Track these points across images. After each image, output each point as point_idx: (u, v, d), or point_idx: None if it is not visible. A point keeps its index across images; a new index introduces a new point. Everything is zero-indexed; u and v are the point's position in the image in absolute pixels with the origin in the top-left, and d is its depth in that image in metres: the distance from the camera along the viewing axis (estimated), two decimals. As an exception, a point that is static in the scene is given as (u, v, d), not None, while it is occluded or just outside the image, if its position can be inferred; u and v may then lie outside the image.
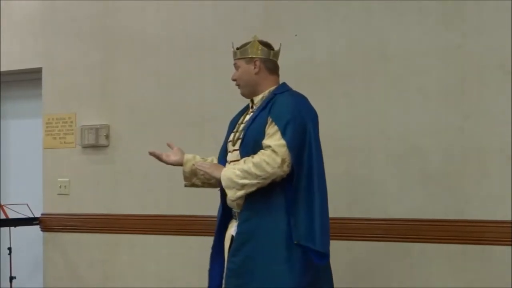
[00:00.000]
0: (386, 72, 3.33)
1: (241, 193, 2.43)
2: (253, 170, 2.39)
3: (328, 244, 2.45)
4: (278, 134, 2.42)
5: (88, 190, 4.07)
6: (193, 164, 2.68)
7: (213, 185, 2.83)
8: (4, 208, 4.12)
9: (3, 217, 4.09)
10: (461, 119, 3.16)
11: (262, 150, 2.44)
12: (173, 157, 2.84)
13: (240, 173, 2.42)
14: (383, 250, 3.29)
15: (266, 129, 2.48)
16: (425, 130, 3.23)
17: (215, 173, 2.53)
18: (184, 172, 2.84)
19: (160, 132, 3.87)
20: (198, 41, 3.80)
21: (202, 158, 2.86)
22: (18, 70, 4.51)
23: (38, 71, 4.32)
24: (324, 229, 2.43)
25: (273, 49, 2.70)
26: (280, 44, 2.74)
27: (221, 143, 3.68)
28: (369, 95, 3.37)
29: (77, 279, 4.08)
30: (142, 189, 3.91)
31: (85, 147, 4.08)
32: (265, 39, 3.62)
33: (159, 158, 2.85)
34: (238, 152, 2.57)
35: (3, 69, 4.50)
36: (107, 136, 4.01)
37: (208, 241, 3.68)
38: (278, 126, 2.43)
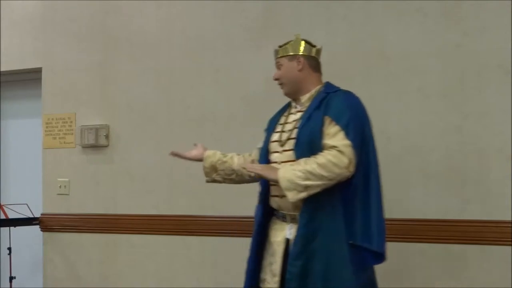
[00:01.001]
0: (386, 72, 3.33)
1: (303, 194, 2.36)
2: (319, 171, 2.33)
3: (384, 244, 2.44)
4: (341, 134, 2.38)
5: (88, 190, 4.07)
6: (243, 167, 2.62)
7: (234, 180, 2.84)
8: (4, 208, 4.12)
9: (3, 217, 4.09)
10: (461, 119, 3.16)
11: (325, 151, 2.38)
12: (194, 152, 2.89)
13: (302, 174, 2.34)
14: (383, 250, 3.29)
15: (324, 129, 2.43)
16: (425, 130, 3.23)
17: (271, 175, 2.44)
18: (204, 167, 2.85)
19: (159, 132, 3.87)
20: (198, 41, 3.80)
21: (222, 154, 2.85)
22: (18, 70, 4.52)
23: (38, 71, 4.32)
24: (380, 229, 2.42)
25: (315, 46, 2.65)
26: (321, 46, 2.70)
27: (221, 143, 3.70)
28: (369, 95, 3.34)
29: (77, 279, 4.08)
30: (142, 189, 3.91)
31: (84, 147, 4.08)
32: (264, 39, 3.64)
33: (180, 156, 2.89)
34: (291, 152, 2.50)
35: (3, 69, 4.51)
36: (106, 136, 4.00)
37: (207, 241, 3.72)
38: (340, 125, 2.39)
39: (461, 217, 3.14)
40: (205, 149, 2.89)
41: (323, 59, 3.46)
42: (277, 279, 2.52)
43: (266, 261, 2.61)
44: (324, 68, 3.45)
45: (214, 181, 2.88)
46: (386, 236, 3.21)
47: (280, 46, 2.65)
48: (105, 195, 4.02)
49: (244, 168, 2.61)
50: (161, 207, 3.85)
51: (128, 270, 3.93)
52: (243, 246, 3.62)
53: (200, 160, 2.86)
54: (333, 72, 3.42)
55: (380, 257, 2.45)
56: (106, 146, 4.02)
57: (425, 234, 3.19)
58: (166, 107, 3.87)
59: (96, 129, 4.01)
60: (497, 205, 3.07)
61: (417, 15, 3.27)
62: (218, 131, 3.71)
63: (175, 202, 3.81)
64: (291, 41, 2.64)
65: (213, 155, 2.84)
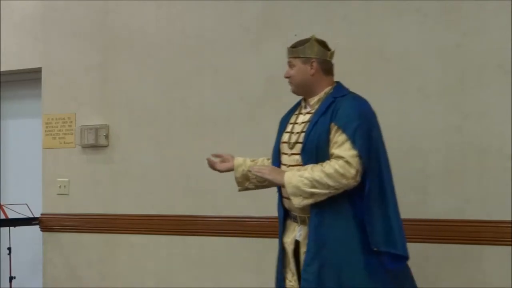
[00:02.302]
0: (386, 71, 3.33)
1: (308, 201, 2.40)
2: (326, 180, 2.35)
3: (406, 247, 2.45)
4: (348, 144, 2.38)
5: (88, 190, 4.07)
6: (249, 170, 2.61)
7: (266, 186, 2.79)
8: (4, 208, 4.12)
9: (2, 217, 4.09)
10: (461, 119, 3.16)
11: (333, 160, 2.39)
12: (226, 165, 2.81)
13: (308, 182, 2.37)
14: (383, 250, 3.28)
15: (331, 137, 2.43)
16: (425, 129, 3.23)
17: (277, 179, 2.47)
18: (236, 178, 2.80)
19: (159, 132, 3.87)
20: (198, 41, 3.80)
21: (252, 161, 2.81)
22: (18, 70, 4.53)
23: (37, 71, 4.32)
24: (402, 232, 2.43)
25: (329, 49, 2.64)
26: (337, 44, 2.68)
27: (220, 144, 3.71)
28: (369, 95, 3.32)
29: (76, 279, 4.08)
30: (141, 189, 3.90)
31: (84, 147, 4.07)
32: (264, 39, 3.63)
33: (213, 166, 2.83)
34: (297, 157, 2.51)
35: (3, 69, 4.52)
36: (106, 136, 4.00)
37: (207, 241, 3.71)
38: (347, 134, 2.39)
39: (461, 217, 3.14)
40: (233, 158, 2.82)
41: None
42: (296, 277, 2.57)
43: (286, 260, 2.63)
44: (324, 68, 3.47)
45: (246, 189, 2.84)
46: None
47: (294, 46, 2.63)
48: (105, 195, 4.01)
49: (249, 171, 2.61)
50: (161, 207, 3.85)
51: (127, 270, 3.93)
52: (243, 246, 3.64)
53: (231, 170, 2.81)
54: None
55: (403, 260, 2.46)
56: (106, 146, 4.02)
57: (425, 234, 3.19)
58: (166, 107, 3.87)
59: (96, 129, 4.00)
60: (497, 205, 3.07)
61: (417, 15, 3.26)
62: (217, 131, 3.71)
63: (174, 202, 3.81)
64: (306, 40, 2.60)
65: (243, 163, 2.79)
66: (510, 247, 3.02)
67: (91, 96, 4.10)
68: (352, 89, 3.37)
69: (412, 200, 3.23)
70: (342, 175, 2.35)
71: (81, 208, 4.08)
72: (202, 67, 3.78)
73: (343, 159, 2.37)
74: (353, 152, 2.37)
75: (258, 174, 2.52)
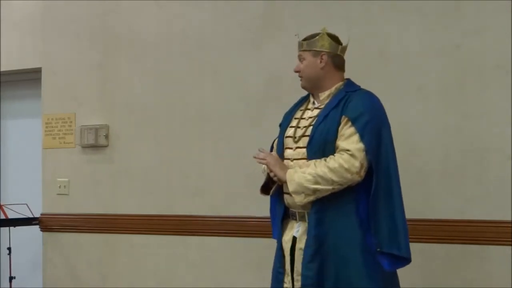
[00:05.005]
0: (385, 71, 3.33)
1: (311, 198, 2.34)
2: (329, 175, 2.30)
3: (409, 249, 2.40)
4: (356, 137, 2.33)
5: (88, 190, 4.07)
6: (254, 156, 2.49)
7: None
8: (4, 208, 4.12)
9: (2, 217, 4.09)
10: (461, 119, 3.16)
11: (337, 154, 2.34)
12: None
13: (311, 178, 2.31)
14: (383, 250, 3.28)
15: (340, 129, 2.38)
16: (424, 130, 3.23)
17: (281, 174, 2.41)
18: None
19: (159, 132, 3.87)
20: (198, 41, 3.80)
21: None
22: (18, 70, 4.53)
23: (37, 71, 4.32)
24: (407, 234, 2.38)
25: (341, 44, 2.58)
26: (349, 38, 2.64)
27: (220, 143, 3.71)
28: (369, 95, 3.36)
29: (76, 279, 4.07)
30: (141, 189, 3.90)
31: (84, 147, 4.07)
32: (265, 39, 3.63)
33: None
34: (303, 150, 2.45)
35: (3, 69, 4.52)
36: (106, 136, 4.00)
37: (207, 241, 3.71)
38: (356, 127, 2.33)
39: (461, 217, 3.14)
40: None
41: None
42: (290, 278, 2.50)
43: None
44: (324, 68, 3.47)
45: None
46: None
47: (305, 39, 2.58)
48: (105, 195, 4.01)
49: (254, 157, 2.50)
50: (161, 207, 3.85)
51: (127, 270, 3.93)
52: (243, 246, 3.64)
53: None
54: (333, 72, 3.44)
55: (404, 262, 2.42)
56: (105, 146, 4.02)
57: (425, 234, 3.18)
58: (166, 107, 3.86)
59: (96, 129, 4.00)
60: (497, 205, 3.07)
61: (417, 15, 3.27)
62: (218, 131, 3.71)
63: (174, 202, 3.81)
64: (317, 34, 2.56)
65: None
66: (510, 247, 3.02)
67: (91, 96, 4.10)
68: (352, 89, 3.41)
69: (412, 200, 3.22)
70: (347, 169, 2.29)
71: (81, 208, 4.08)
72: (202, 67, 3.78)
73: (348, 152, 2.31)
74: (360, 145, 2.31)
75: (261, 161, 2.46)
